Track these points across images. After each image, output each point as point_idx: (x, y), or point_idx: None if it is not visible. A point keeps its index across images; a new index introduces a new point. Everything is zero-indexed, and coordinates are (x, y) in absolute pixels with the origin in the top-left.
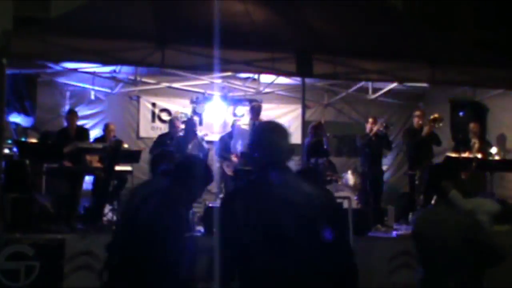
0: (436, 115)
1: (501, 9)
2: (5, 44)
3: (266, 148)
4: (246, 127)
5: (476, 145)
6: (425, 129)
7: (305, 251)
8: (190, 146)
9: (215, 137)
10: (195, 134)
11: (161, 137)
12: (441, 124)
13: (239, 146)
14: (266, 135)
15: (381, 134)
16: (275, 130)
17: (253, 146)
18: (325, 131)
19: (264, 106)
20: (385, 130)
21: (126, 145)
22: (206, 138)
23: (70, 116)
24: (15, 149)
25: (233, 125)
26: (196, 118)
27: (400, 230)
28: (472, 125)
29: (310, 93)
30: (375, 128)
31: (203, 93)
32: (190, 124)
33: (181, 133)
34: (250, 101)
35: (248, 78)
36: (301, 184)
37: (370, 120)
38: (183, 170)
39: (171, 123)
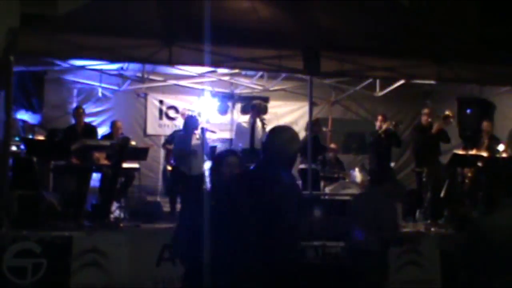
0: (448, 113)
1: (508, 6)
2: (12, 41)
3: (270, 150)
4: (247, 125)
5: (485, 144)
6: (435, 126)
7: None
8: (192, 142)
9: (223, 134)
10: (194, 131)
11: (175, 132)
12: (451, 120)
13: (240, 143)
14: (275, 140)
15: (390, 131)
16: (284, 137)
17: (264, 146)
18: (321, 128)
19: (272, 103)
20: (395, 128)
21: (133, 142)
22: (214, 136)
23: (77, 113)
24: (22, 147)
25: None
26: (197, 115)
27: (407, 227)
28: (484, 123)
29: (318, 90)
30: (384, 126)
31: (211, 91)
32: (189, 121)
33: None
34: (257, 98)
35: (255, 75)
36: (287, 179)
37: (380, 117)
38: None
39: None
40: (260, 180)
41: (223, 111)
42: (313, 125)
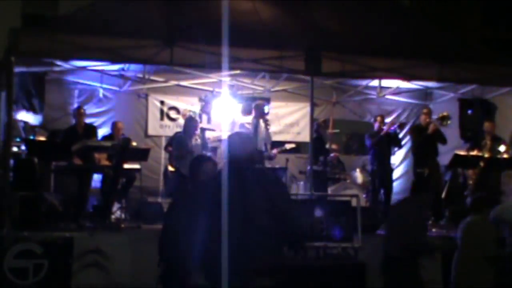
0: (444, 113)
1: (509, 7)
2: (13, 42)
3: (233, 154)
4: (249, 126)
5: (488, 145)
6: (431, 127)
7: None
8: (191, 144)
9: (225, 135)
10: (195, 132)
11: (176, 134)
12: (449, 122)
13: None
14: (234, 146)
15: (392, 132)
16: (240, 141)
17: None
18: (324, 129)
19: (273, 104)
20: (399, 130)
21: (134, 143)
22: (215, 134)
23: (78, 113)
24: (23, 147)
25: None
26: (196, 117)
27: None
28: (486, 124)
29: (319, 91)
30: (385, 128)
31: (212, 91)
32: (189, 122)
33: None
34: (259, 99)
35: (256, 76)
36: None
37: (378, 118)
38: None
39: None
40: (223, 182)
41: (247, 111)
42: (318, 126)
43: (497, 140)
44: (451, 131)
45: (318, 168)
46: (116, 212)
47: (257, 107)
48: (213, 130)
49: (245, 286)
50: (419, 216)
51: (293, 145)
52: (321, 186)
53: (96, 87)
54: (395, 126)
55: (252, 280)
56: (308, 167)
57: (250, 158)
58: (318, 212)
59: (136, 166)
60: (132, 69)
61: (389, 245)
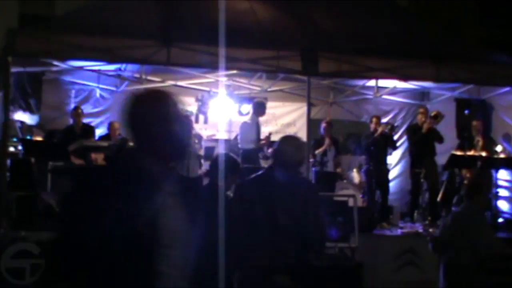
0: (435, 112)
1: (507, 7)
2: (10, 42)
3: (276, 156)
4: (250, 124)
5: (480, 143)
6: (425, 126)
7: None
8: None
9: (221, 135)
10: (190, 132)
11: None
12: (441, 119)
13: (246, 142)
14: (282, 147)
15: (386, 133)
16: (290, 144)
17: (273, 153)
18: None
19: (270, 104)
20: (390, 132)
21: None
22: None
23: (76, 113)
24: (20, 147)
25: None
26: (191, 116)
27: (405, 228)
28: (474, 123)
29: (316, 91)
30: (380, 129)
31: (209, 91)
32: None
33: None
34: (255, 99)
35: (253, 76)
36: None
37: (374, 119)
38: None
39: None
40: (270, 184)
41: (246, 112)
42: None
43: (488, 139)
44: (448, 131)
45: (321, 169)
46: None
47: (256, 104)
48: (213, 135)
49: (267, 285)
50: (483, 220)
51: None
52: (331, 187)
53: (93, 87)
54: (387, 129)
55: (275, 280)
56: (313, 169)
57: (298, 165)
58: None
59: None
60: (129, 69)
61: (457, 255)
